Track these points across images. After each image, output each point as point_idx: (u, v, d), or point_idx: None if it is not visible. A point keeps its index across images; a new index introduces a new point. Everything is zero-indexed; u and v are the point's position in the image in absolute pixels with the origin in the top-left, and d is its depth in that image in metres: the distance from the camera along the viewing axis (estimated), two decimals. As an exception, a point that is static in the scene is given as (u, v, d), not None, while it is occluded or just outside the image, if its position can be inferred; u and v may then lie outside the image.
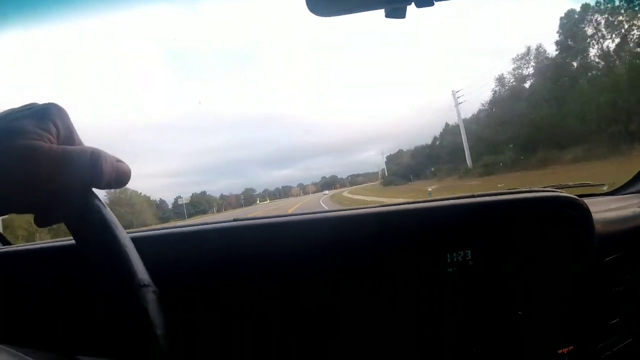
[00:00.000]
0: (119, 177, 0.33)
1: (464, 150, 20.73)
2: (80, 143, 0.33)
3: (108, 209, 0.33)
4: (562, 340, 0.63)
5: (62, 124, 0.31)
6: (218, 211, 58.00)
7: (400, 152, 42.72)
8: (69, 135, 0.32)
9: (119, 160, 0.33)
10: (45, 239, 0.86)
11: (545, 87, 16.57)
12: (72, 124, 0.33)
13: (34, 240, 1.01)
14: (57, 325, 0.55)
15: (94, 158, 0.31)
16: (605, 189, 1.10)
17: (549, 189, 0.74)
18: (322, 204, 17.04)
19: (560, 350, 0.63)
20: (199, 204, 55.57)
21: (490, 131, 18.49)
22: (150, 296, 0.30)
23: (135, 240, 0.33)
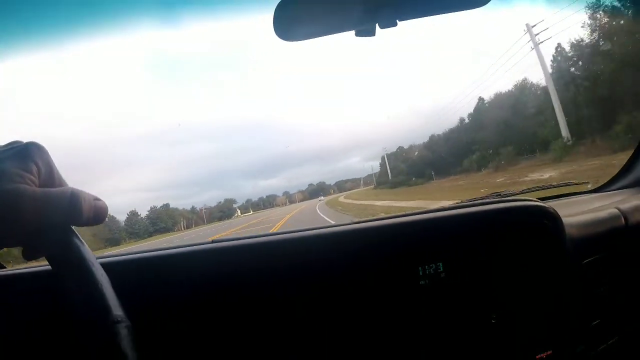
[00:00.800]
0: (97, 215, 0.35)
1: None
2: (59, 178, 0.35)
3: (86, 246, 0.35)
4: (540, 345, 0.64)
5: (42, 163, 0.34)
6: (188, 227, 48.33)
7: (401, 148, 35.06)
8: (49, 172, 0.34)
9: (96, 199, 0.35)
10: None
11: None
12: (51, 160, 0.35)
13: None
14: (36, 351, 0.55)
15: (74, 199, 0.33)
16: (589, 186, 1.08)
17: (522, 197, 0.78)
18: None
19: (539, 355, 0.64)
20: (159, 220, 44.81)
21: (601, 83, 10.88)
22: (124, 332, 0.32)
23: (108, 265, 0.36)
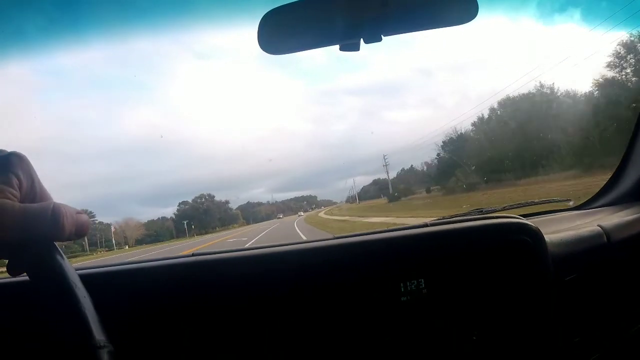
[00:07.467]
0: (79, 230, 0.34)
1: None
2: (41, 190, 0.34)
3: (68, 263, 0.34)
4: None
5: (23, 174, 0.33)
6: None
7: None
8: (30, 184, 0.33)
9: (79, 212, 0.34)
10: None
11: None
12: (33, 171, 0.34)
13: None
14: None
15: (55, 214, 0.32)
16: (571, 204, 1.09)
17: (504, 214, 0.78)
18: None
19: None
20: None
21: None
22: (105, 357, 0.30)
23: (90, 276, 0.36)
